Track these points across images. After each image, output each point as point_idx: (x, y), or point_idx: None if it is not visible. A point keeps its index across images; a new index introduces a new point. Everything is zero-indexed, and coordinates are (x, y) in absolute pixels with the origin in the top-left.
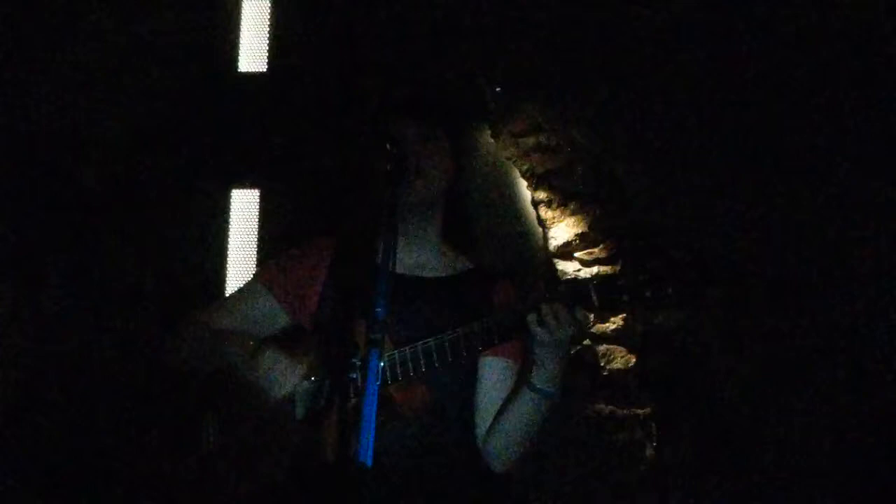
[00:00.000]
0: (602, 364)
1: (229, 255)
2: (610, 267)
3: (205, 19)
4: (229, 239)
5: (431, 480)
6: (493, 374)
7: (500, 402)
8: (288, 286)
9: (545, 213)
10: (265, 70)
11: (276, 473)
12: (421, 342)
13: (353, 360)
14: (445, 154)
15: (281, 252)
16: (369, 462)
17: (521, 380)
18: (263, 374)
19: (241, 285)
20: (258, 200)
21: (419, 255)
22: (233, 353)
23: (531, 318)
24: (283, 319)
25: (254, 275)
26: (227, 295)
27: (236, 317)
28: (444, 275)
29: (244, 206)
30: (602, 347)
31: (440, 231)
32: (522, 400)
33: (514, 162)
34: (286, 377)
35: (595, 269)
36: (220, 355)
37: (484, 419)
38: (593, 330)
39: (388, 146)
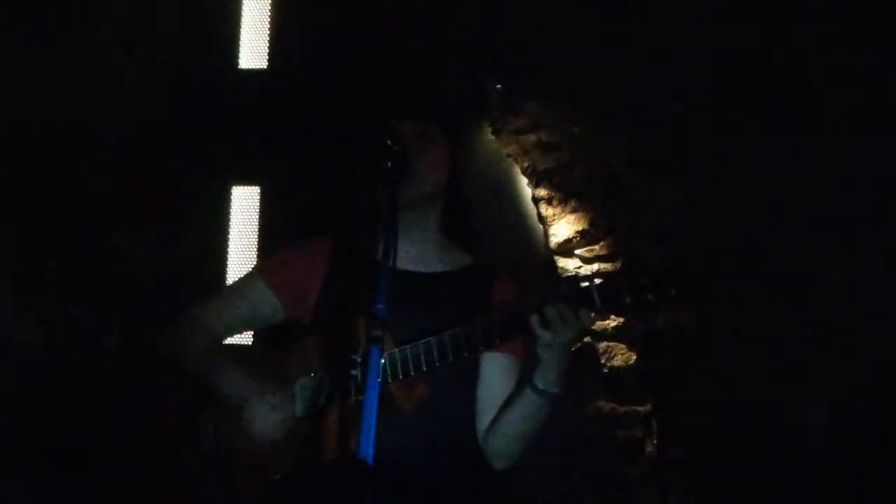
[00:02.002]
0: (602, 361)
1: (230, 252)
2: (611, 264)
3: (205, 16)
4: (230, 236)
5: (431, 478)
6: (495, 371)
7: (501, 399)
8: (287, 282)
9: (546, 210)
10: (265, 67)
11: (275, 471)
12: (422, 340)
13: (354, 357)
14: (441, 151)
15: (280, 248)
16: (370, 460)
17: (524, 379)
18: (250, 421)
19: (241, 277)
20: (258, 197)
21: (418, 251)
22: (228, 387)
23: (534, 319)
24: (281, 315)
25: (252, 270)
26: (226, 286)
27: (234, 312)
28: (443, 270)
29: (244, 202)
30: (602, 345)
31: (440, 227)
32: (525, 399)
33: (515, 159)
34: (274, 429)
35: (595, 266)
36: (214, 381)
37: (485, 416)
38: (594, 327)
39: (388, 142)
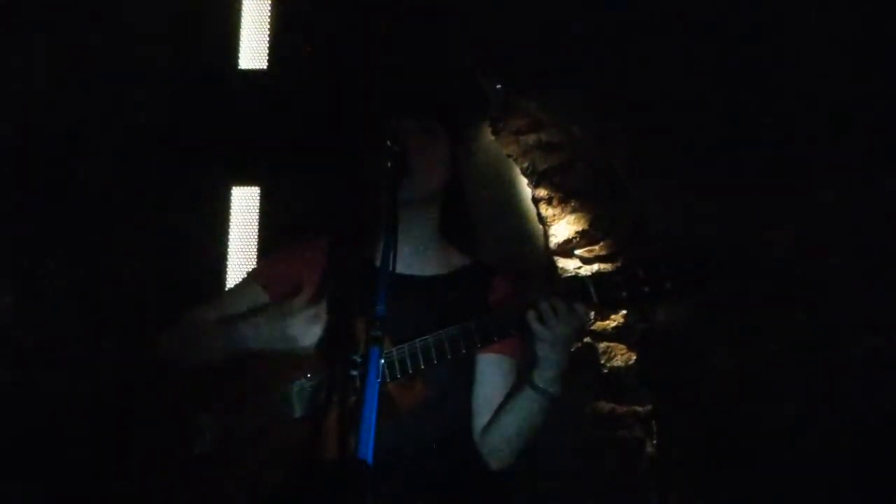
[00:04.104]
0: (602, 362)
1: (230, 253)
2: (611, 264)
3: (205, 16)
4: (230, 236)
5: (429, 477)
6: (492, 371)
7: (498, 399)
8: (283, 284)
9: (545, 210)
10: (265, 67)
11: (275, 473)
12: (419, 340)
13: (354, 358)
14: (442, 150)
15: (276, 250)
16: (369, 460)
17: (523, 378)
18: (291, 326)
19: (237, 283)
20: (258, 198)
21: (417, 254)
22: (249, 327)
23: (530, 314)
24: None
25: (248, 273)
26: (222, 293)
27: (232, 314)
28: (441, 272)
29: (245, 203)
30: (602, 345)
31: (438, 227)
32: (523, 399)
33: (515, 159)
34: (313, 323)
35: (596, 267)
36: (233, 338)
37: (482, 416)
38: (593, 327)
39: (388, 143)
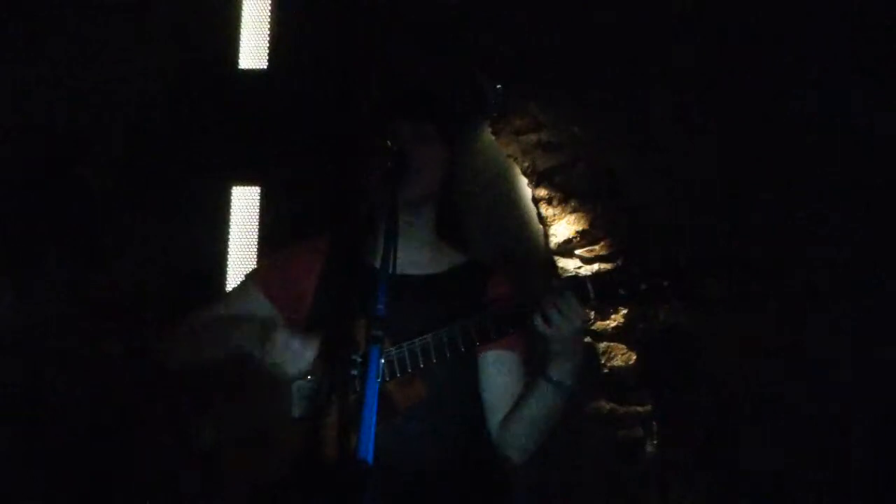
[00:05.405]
0: (602, 361)
1: (230, 253)
2: (611, 264)
3: (205, 16)
4: (230, 236)
5: (429, 476)
6: (497, 368)
7: (507, 394)
8: (281, 286)
9: (546, 210)
10: (265, 67)
11: (275, 473)
12: (418, 339)
13: (354, 357)
14: (438, 151)
15: (274, 252)
16: (370, 459)
17: (538, 372)
18: (279, 351)
19: (235, 286)
20: (258, 197)
21: (413, 252)
22: (243, 336)
23: (537, 315)
24: (277, 319)
25: (247, 275)
26: (222, 296)
27: (228, 321)
28: (437, 271)
29: (245, 203)
30: (602, 345)
31: (434, 227)
32: (540, 391)
33: (515, 159)
34: (302, 353)
35: (596, 267)
36: (228, 342)
37: (496, 413)
38: (594, 327)
39: (388, 143)
